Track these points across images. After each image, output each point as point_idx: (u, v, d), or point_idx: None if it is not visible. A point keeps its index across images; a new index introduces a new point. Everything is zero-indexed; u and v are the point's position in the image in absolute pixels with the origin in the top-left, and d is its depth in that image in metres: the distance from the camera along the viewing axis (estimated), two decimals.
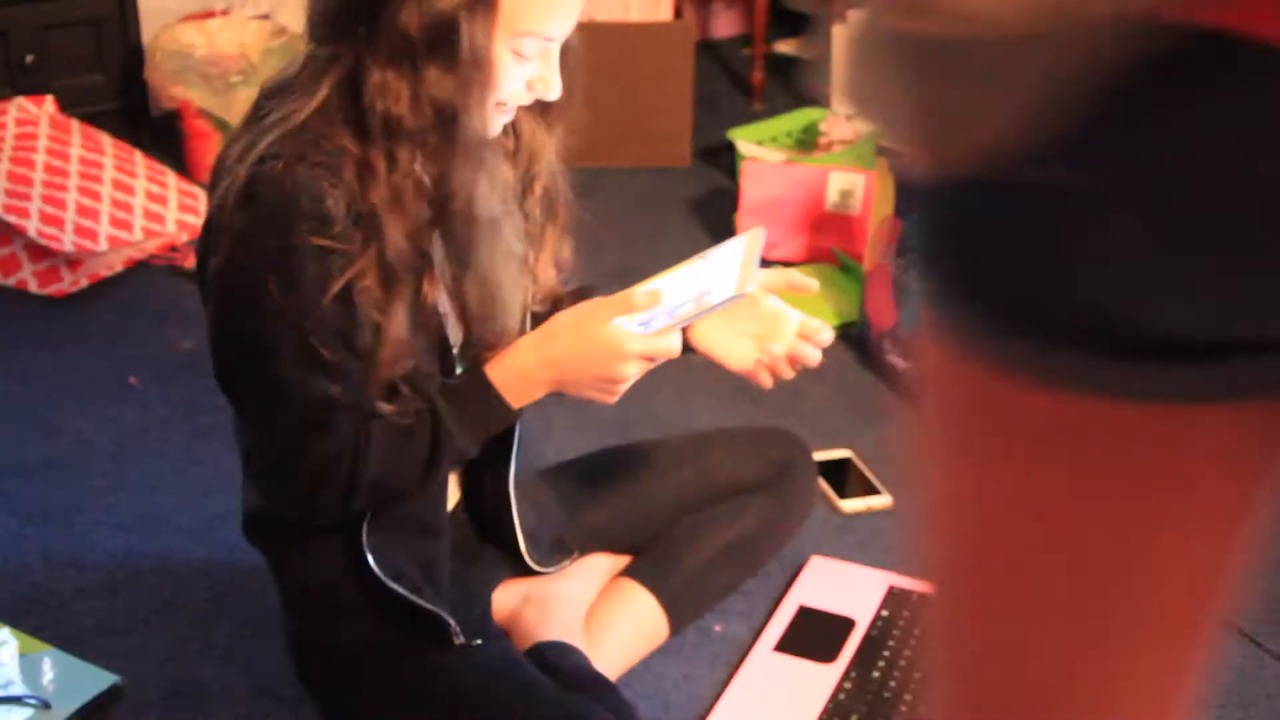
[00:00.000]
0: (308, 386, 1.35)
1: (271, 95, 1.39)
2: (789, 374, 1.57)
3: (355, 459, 1.39)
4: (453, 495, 1.64)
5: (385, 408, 1.40)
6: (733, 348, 1.58)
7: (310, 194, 1.31)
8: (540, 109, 1.48)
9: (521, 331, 1.52)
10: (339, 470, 1.39)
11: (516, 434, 1.61)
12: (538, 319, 1.54)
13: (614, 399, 1.48)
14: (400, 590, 1.49)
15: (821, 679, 1.70)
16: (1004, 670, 0.69)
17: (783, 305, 1.59)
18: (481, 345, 1.48)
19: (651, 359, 1.45)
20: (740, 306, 1.52)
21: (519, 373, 1.46)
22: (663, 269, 1.56)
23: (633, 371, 1.45)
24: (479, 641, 1.54)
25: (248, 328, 1.35)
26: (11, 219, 2.60)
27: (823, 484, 2.06)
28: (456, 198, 1.37)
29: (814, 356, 1.55)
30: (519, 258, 1.49)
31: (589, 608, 1.72)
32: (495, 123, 1.42)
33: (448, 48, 1.31)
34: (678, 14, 3.66)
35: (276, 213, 1.31)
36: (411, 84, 1.32)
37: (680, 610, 1.75)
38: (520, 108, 1.45)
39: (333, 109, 1.35)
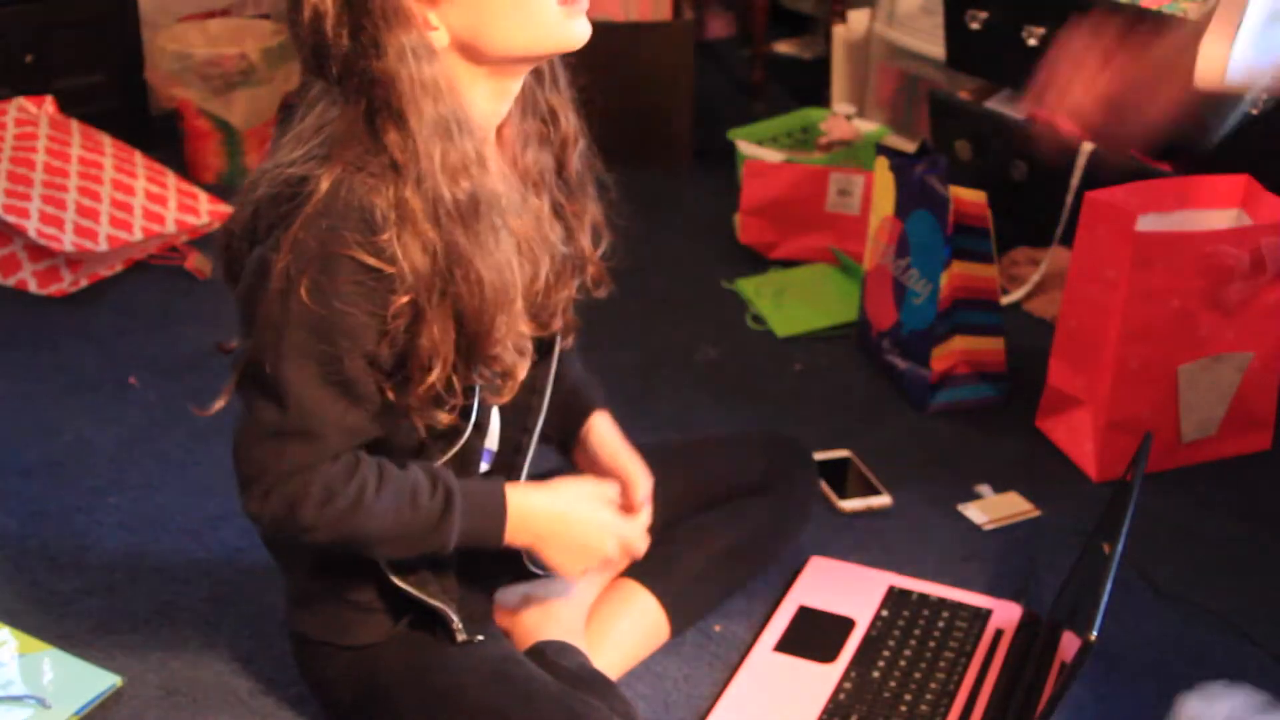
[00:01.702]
0: (307, 395, 1.34)
1: (310, 104, 1.41)
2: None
3: (358, 493, 1.38)
4: None
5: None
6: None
7: (363, 205, 1.30)
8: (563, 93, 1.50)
9: (565, 311, 1.54)
10: (313, 490, 1.37)
11: (531, 446, 1.60)
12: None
13: (577, 575, 1.57)
14: (406, 587, 1.50)
15: (821, 679, 1.70)
16: None
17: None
18: (493, 366, 1.43)
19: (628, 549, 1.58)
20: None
21: (527, 508, 1.49)
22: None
23: (611, 549, 1.54)
24: (480, 638, 1.54)
25: (270, 322, 1.33)
26: (11, 219, 2.60)
27: (822, 484, 2.06)
28: (434, 177, 1.33)
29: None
30: (538, 241, 1.46)
31: (590, 608, 1.72)
32: (576, 25, 1.37)
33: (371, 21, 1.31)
34: (677, 14, 3.66)
35: (326, 218, 1.29)
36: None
37: (681, 611, 1.75)
38: (555, 96, 1.48)
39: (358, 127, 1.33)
